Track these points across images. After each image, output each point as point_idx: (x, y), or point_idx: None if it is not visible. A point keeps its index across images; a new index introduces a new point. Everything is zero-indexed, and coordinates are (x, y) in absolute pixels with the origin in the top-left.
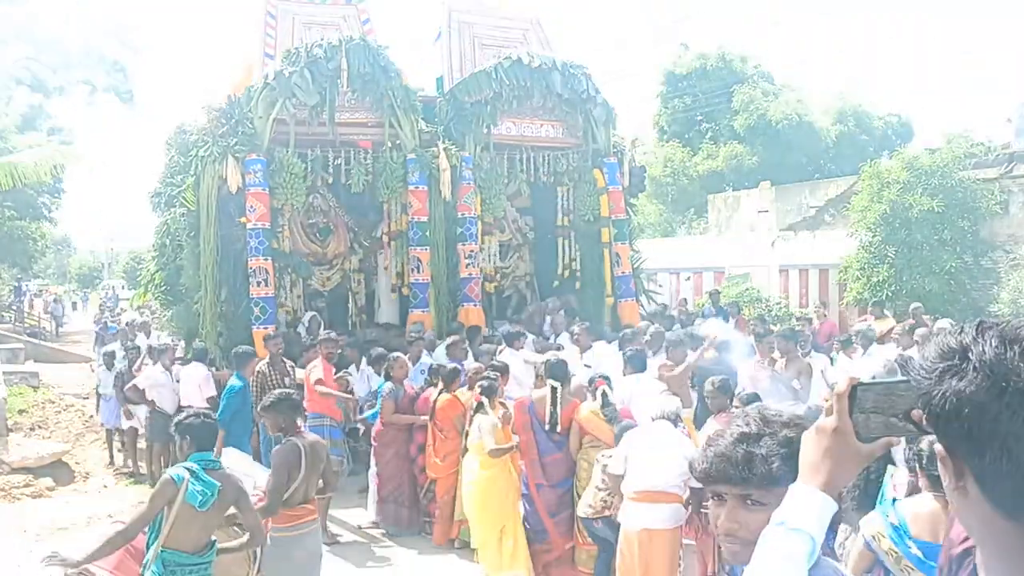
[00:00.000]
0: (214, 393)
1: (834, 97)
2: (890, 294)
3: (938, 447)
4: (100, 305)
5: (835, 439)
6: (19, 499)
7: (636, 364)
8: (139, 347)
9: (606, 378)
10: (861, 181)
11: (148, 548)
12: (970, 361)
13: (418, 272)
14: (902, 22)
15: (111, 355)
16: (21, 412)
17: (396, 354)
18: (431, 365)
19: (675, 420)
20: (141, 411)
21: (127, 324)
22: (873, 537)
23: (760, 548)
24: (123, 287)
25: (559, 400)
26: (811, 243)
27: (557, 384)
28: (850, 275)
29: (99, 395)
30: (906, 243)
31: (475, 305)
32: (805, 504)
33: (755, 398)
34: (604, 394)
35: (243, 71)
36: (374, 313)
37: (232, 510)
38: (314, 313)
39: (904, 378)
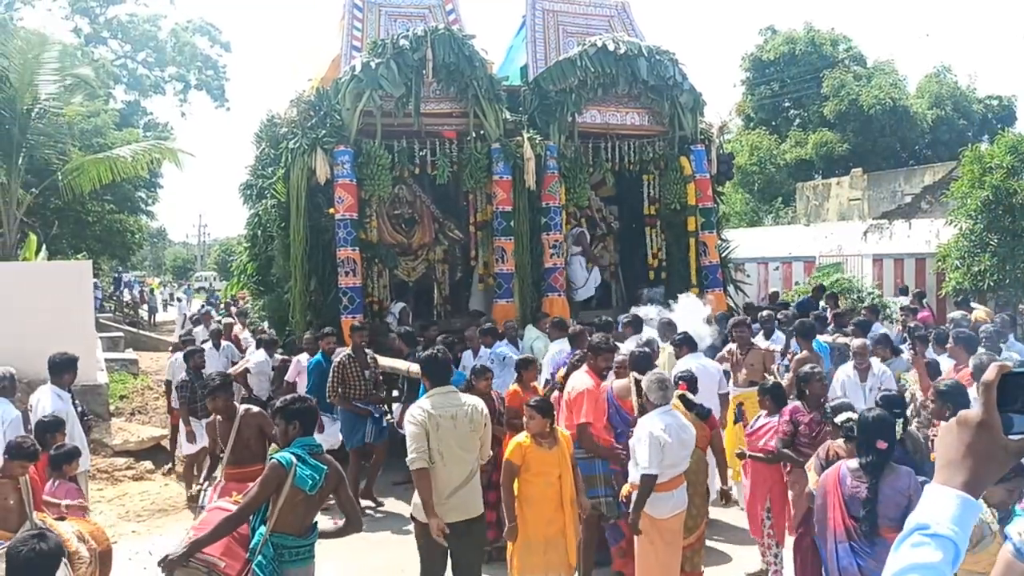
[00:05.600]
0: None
1: (930, 80)
2: (992, 284)
3: None
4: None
5: (979, 434)
6: (121, 480)
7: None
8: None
9: (689, 380)
10: (961, 166)
11: (252, 532)
12: None
13: (502, 262)
14: None
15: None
16: (122, 398)
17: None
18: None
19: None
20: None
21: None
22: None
23: (898, 555)
24: (216, 278)
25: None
26: (906, 231)
27: (640, 376)
28: (949, 264)
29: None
30: (1010, 230)
31: (559, 295)
32: (946, 507)
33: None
34: (684, 397)
35: (331, 64)
36: (459, 303)
37: None
38: (404, 304)
39: None
